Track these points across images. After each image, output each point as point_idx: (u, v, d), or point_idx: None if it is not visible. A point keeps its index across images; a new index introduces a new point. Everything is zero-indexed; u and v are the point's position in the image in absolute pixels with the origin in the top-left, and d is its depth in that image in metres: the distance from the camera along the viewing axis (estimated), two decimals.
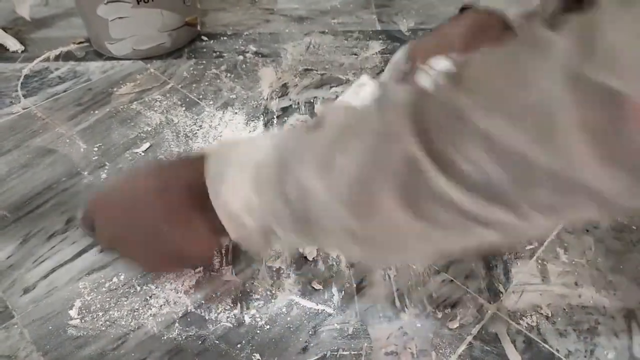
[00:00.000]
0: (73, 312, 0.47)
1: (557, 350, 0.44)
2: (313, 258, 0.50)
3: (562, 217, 0.29)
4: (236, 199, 0.33)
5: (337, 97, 0.71)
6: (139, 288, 0.49)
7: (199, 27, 0.88)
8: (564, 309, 0.47)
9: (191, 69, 0.80)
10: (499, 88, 0.25)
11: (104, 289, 0.49)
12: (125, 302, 0.48)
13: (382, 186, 0.28)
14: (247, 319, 0.46)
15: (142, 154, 0.64)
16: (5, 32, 0.86)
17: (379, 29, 0.90)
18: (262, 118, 0.69)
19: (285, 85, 0.75)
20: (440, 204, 0.26)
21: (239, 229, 0.34)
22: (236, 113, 0.70)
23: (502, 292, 0.48)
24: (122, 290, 0.49)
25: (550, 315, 0.46)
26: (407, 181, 0.27)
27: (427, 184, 0.26)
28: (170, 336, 0.45)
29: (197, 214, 0.36)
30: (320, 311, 0.47)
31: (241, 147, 0.35)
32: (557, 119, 0.22)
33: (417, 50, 0.56)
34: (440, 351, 0.44)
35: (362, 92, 0.60)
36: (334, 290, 0.48)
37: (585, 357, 0.43)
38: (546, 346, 0.44)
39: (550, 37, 0.23)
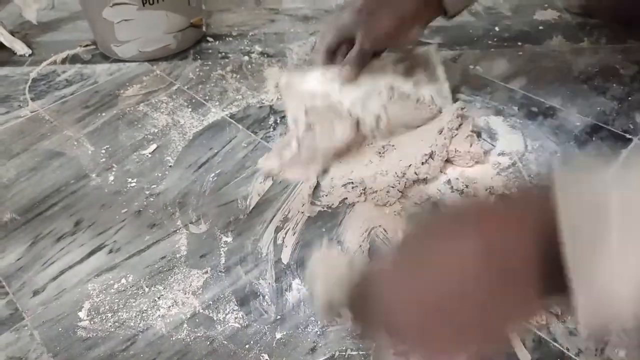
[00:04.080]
0: (82, 314, 0.47)
1: (568, 349, 0.43)
2: None
3: None
4: (623, 278, 0.23)
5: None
6: (147, 289, 0.49)
7: (204, 28, 0.88)
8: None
9: (197, 70, 0.80)
10: None
11: (112, 290, 0.49)
12: (133, 304, 0.48)
13: None
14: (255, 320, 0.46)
15: (149, 155, 0.64)
16: (13, 35, 0.86)
17: None
18: (268, 119, 0.69)
19: None
20: None
21: (603, 314, 0.24)
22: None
23: None
24: (130, 292, 0.49)
25: (560, 313, 0.46)
26: None
27: None
28: (179, 337, 0.45)
29: (533, 278, 0.26)
30: None
31: (613, 181, 0.24)
32: None
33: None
34: None
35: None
36: None
37: (595, 355, 0.43)
38: (556, 345, 0.44)
39: None
